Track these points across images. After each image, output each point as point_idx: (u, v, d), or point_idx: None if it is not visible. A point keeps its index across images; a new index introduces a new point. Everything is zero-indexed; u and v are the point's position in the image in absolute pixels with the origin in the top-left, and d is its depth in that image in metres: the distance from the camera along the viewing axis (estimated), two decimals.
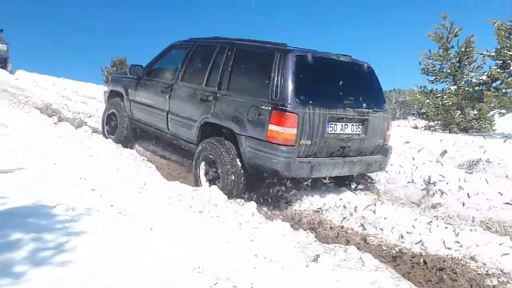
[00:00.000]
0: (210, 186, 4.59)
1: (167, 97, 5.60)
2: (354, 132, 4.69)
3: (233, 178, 4.48)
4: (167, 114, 5.60)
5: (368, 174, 5.43)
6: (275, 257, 2.89)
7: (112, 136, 6.68)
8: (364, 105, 4.78)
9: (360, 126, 4.76)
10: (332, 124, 4.44)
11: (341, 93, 4.64)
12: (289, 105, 4.12)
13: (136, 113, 6.37)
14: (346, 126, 4.59)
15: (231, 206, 4.00)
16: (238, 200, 4.41)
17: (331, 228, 4.15)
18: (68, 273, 2.22)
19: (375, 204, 4.46)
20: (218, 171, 4.61)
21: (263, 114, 4.22)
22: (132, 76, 6.31)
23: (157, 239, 2.85)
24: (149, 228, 3.02)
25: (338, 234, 4.03)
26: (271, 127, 4.15)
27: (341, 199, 4.61)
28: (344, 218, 4.28)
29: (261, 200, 4.66)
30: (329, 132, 4.42)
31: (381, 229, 4.10)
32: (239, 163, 4.49)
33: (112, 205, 3.36)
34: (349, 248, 3.32)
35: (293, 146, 4.15)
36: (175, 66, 5.71)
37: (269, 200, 4.67)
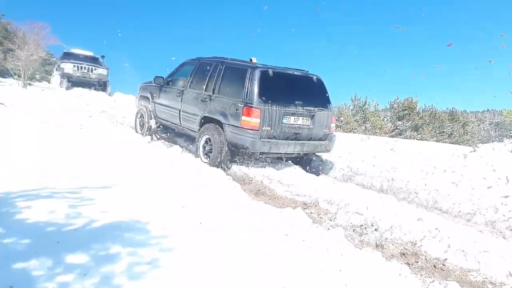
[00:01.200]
0: (205, 158, 6.74)
1: (180, 100, 7.74)
2: (304, 123, 6.61)
3: (220, 150, 6.44)
4: (179, 112, 7.76)
5: None
6: None
7: (141, 131, 9.16)
8: (312, 104, 6.66)
9: (310, 119, 6.68)
10: (287, 117, 6.39)
11: (293, 96, 6.52)
12: (254, 103, 6.08)
13: (159, 112, 8.70)
14: (298, 119, 6.53)
15: (317, 230, 3.88)
16: (324, 224, 4.29)
17: (426, 260, 3.81)
18: None
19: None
20: (212, 146, 6.57)
21: (239, 109, 6.21)
22: (156, 84, 8.53)
23: (241, 259, 2.82)
24: (234, 246, 3.01)
25: (435, 267, 3.69)
26: (243, 117, 6.13)
27: (437, 228, 4.24)
28: (443, 250, 3.92)
29: (350, 229, 4.49)
30: (285, 122, 6.37)
31: (485, 264, 3.68)
32: (224, 141, 6.47)
33: (200, 223, 3.42)
34: (449, 284, 3.03)
35: (257, 130, 6.12)
36: (186, 77, 7.85)
37: (358, 229, 4.48)
